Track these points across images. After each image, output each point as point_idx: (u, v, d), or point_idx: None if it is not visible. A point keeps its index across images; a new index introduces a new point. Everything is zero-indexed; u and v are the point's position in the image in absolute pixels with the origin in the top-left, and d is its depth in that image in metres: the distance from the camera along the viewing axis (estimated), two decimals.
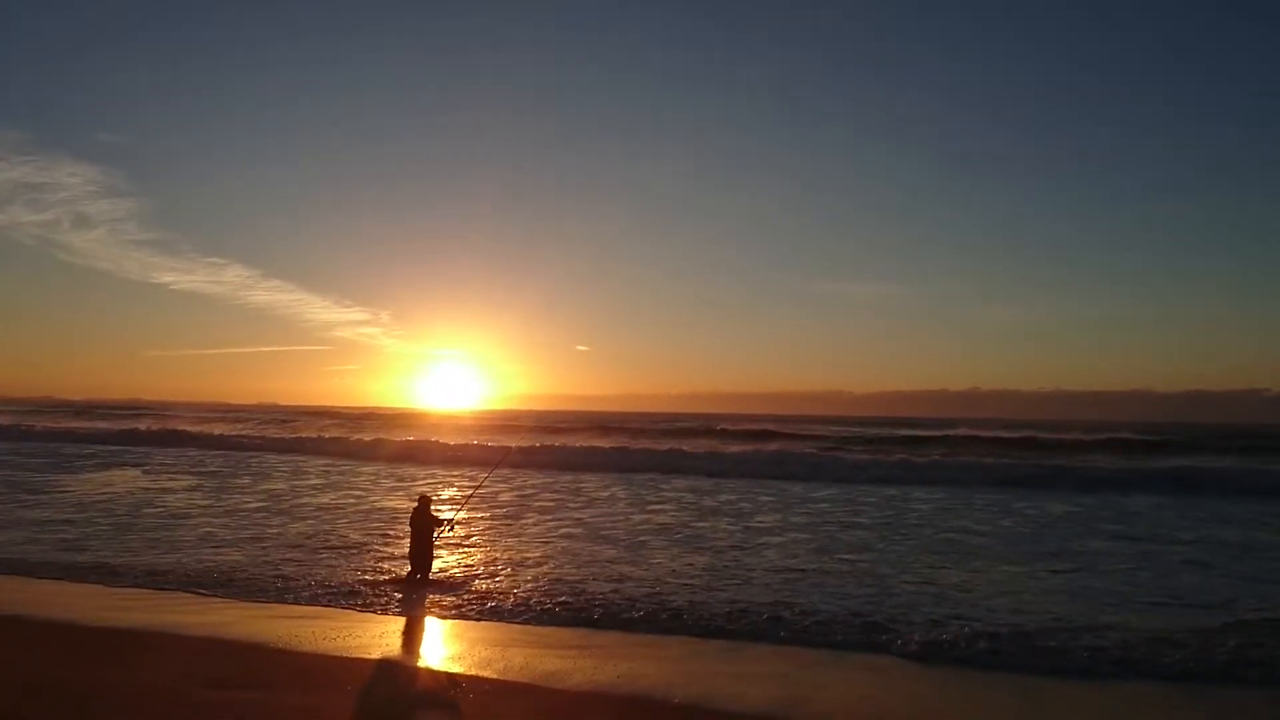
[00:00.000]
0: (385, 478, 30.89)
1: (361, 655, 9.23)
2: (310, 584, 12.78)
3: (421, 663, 9.27)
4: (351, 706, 7.51)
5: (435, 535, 13.36)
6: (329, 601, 11.78)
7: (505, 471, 31.51)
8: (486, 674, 8.61)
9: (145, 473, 31.68)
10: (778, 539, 17.63)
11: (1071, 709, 8.18)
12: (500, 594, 12.24)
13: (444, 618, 11.09)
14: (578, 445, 45.01)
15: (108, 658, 8.72)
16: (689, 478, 32.38)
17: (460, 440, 49.54)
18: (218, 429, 60.20)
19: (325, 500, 23.59)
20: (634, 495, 26.05)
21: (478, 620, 10.97)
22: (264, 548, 15.77)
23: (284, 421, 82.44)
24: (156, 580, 12.91)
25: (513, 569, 14.08)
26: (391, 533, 17.50)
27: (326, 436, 51.52)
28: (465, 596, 12.14)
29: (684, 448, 43.30)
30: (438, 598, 12.11)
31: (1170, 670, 9.02)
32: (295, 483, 28.46)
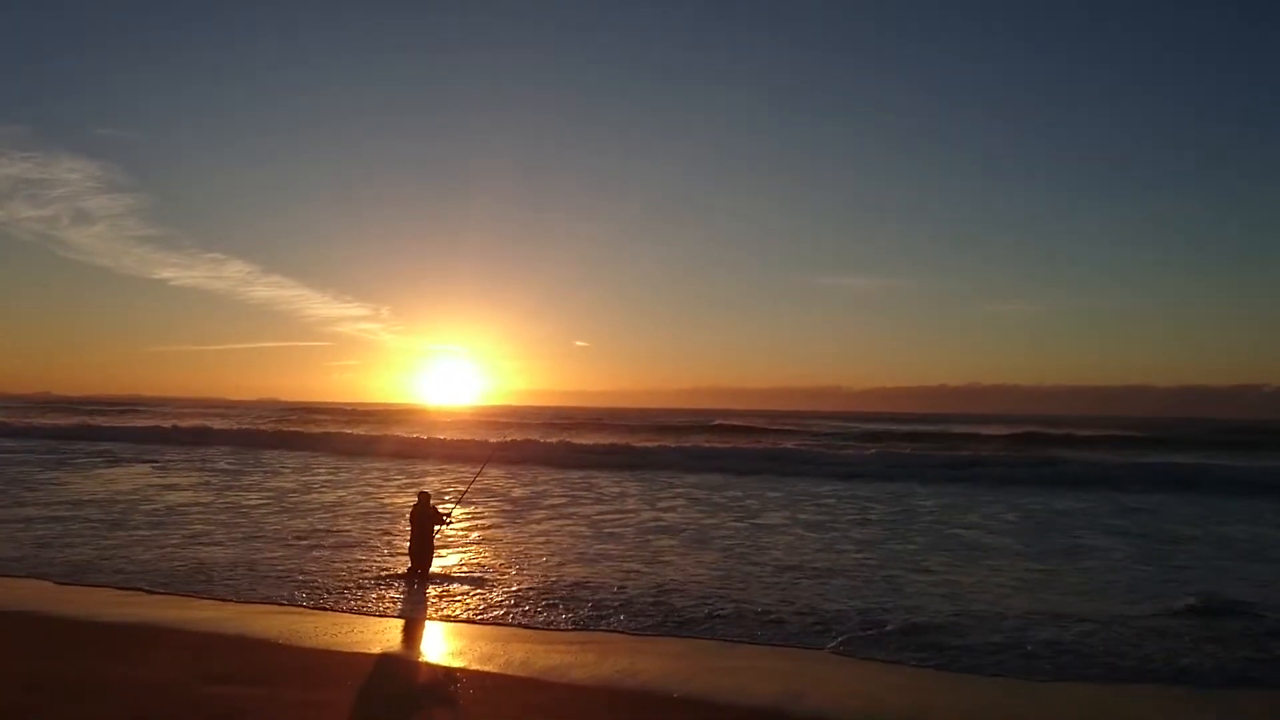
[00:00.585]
0: (395, 474, 30.89)
1: (363, 651, 9.26)
2: (310, 581, 12.79)
3: (423, 658, 9.31)
4: (353, 702, 7.54)
5: (435, 531, 13.39)
6: (330, 598, 11.80)
7: (514, 469, 31.59)
8: (487, 668, 8.65)
9: (156, 468, 31.74)
10: (783, 537, 17.61)
11: (1079, 710, 8.14)
12: (502, 589, 12.28)
13: (445, 613, 11.12)
14: (580, 442, 45.13)
15: (109, 654, 8.75)
16: (694, 474, 32.43)
17: (464, 436, 49.56)
18: (217, 424, 60.28)
19: (328, 498, 23.62)
20: (640, 492, 26.10)
21: (479, 615, 10.98)
22: (254, 545, 15.74)
23: (286, 418, 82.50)
24: (119, 580, 12.65)
25: (515, 565, 14.12)
26: (392, 529, 17.53)
27: (331, 432, 51.54)
28: (467, 591, 12.18)
29: (686, 444, 43.46)
30: (439, 593, 12.15)
31: (1188, 673, 8.91)
32: (300, 479, 28.50)
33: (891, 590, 12.61)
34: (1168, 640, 9.99)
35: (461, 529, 17.73)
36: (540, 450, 39.92)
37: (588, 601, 11.59)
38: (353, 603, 11.58)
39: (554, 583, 12.74)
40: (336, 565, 13.94)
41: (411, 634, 10.30)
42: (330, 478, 29.12)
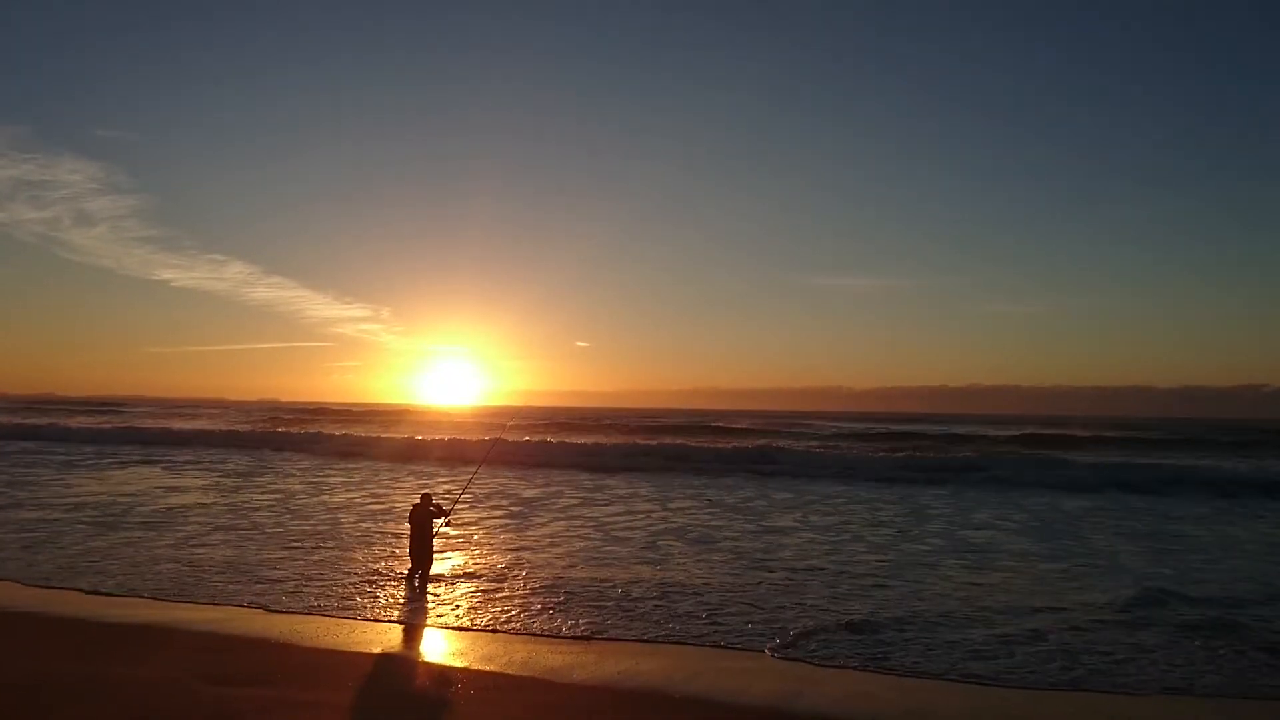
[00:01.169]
0: (402, 476, 30.89)
1: (364, 651, 9.24)
2: (311, 582, 12.79)
3: (424, 658, 9.28)
4: (355, 702, 7.52)
5: (434, 530, 13.36)
6: (330, 599, 11.78)
7: (526, 471, 31.57)
8: (489, 669, 8.62)
9: (165, 469, 31.75)
10: (791, 539, 17.50)
11: (1080, 714, 8.08)
12: (504, 590, 12.27)
13: (445, 614, 11.09)
14: (583, 442, 45.04)
15: (111, 654, 8.73)
16: (699, 475, 32.42)
17: (466, 437, 49.44)
18: (219, 425, 60.33)
19: (337, 499, 23.62)
20: (647, 493, 26.09)
21: (480, 616, 10.95)
22: (257, 546, 15.75)
23: (283, 419, 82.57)
24: (97, 585, 12.36)
25: (518, 566, 14.09)
26: (394, 530, 17.50)
27: (329, 433, 51.52)
28: (467, 592, 12.16)
29: (693, 444, 43.50)
30: (440, 593, 12.12)
31: (1192, 681, 8.82)
32: (304, 481, 28.52)
33: (900, 592, 12.57)
34: (1176, 649, 9.87)
35: (468, 530, 17.71)
36: (551, 451, 39.79)
37: (590, 602, 11.56)
38: (353, 603, 11.55)
39: (556, 582, 12.72)
40: (338, 566, 13.93)
41: (412, 635, 10.28)
42: (344, 479, 29.09)
